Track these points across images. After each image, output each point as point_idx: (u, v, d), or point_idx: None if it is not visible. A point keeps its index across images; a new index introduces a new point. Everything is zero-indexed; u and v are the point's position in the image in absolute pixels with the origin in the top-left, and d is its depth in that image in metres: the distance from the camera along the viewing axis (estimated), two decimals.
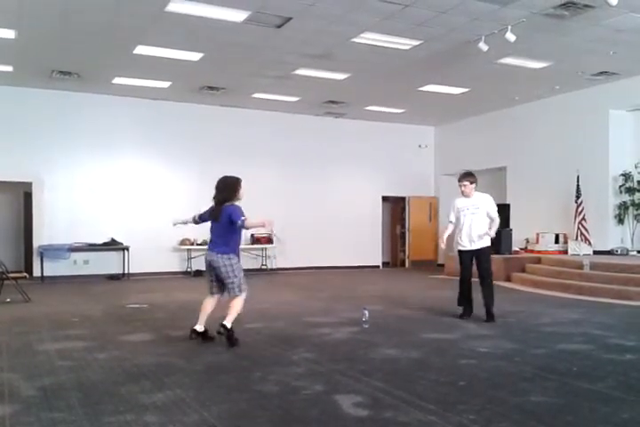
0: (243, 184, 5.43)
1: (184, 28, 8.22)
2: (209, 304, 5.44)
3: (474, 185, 6.74)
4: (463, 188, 6.74)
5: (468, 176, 6.79)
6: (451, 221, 6.91)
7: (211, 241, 5.50)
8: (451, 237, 6.92)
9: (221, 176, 5.52)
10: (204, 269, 14.60)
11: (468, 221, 6.68)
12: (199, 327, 5.34)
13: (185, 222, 5.84)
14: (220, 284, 5.43)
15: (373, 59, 9.73)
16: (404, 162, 15.37)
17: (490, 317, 6.55)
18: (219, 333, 5.20)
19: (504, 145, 13.65)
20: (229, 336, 5.19)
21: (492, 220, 6.69)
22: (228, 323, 5.18)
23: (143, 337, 5.71)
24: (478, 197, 6.75)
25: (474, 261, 6.72)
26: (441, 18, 7.78)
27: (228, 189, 5.38)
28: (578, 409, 3.44)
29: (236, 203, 5.39)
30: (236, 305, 5.30)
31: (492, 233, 6.66)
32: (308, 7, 7.45)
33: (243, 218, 5.17)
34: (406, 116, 14.40)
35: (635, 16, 7.67)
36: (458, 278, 6.96)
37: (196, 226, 6.04)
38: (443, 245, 6.96)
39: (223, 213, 5.29)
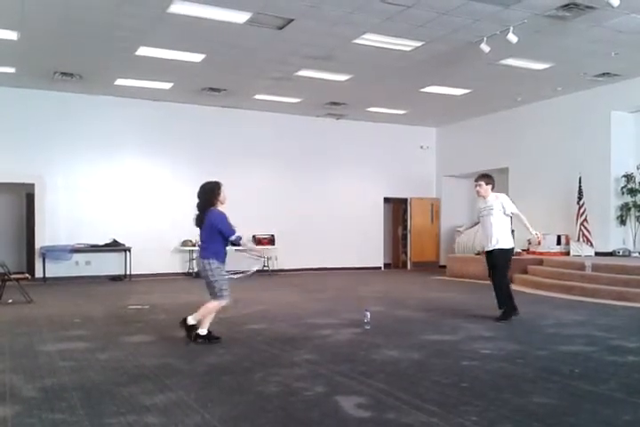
0: (223, 188, 5.38)
1: (186, 29, 8.23)
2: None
3: (489, 186, 6.66)
4: (478, 187, 6.69)
5: (483, 177, 6.76)
6: (476, 222, 7.02)
7: (199, 246, 5.57)
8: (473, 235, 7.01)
9: (203, 182, 5.46)
10: None
11: (483, 223, 6.70)
12: (190, 320, 5.37)
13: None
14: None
15: (375, 60, 9.73)
16: (406, 163, 15.38)
17: (499, 317, 6.58)
18: (187, 330, 5.36)
19: (506, 146, 13.65)
20: (187, 329, 5.33)
21: (515, 216, 6.60)
22: (190, 318, 5.31)
23: (144, 338, 5.71)
24: (492, 198, 6.66)
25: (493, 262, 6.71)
26: (443, 19, 7.79)
27: (207, 194, 5.33)
28: (580, 411, 3.43)
29: (220, 208, 5.35)
30: (209, 307, 5.33)
31: (532, 231, 6.54)
32: (309, 8, 7.45)
33: (239, 235, 5.22)
34: (408, 117, 14.40)
35: (636, 17, 7.67)
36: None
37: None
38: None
39: (207, 218, 5.28)
